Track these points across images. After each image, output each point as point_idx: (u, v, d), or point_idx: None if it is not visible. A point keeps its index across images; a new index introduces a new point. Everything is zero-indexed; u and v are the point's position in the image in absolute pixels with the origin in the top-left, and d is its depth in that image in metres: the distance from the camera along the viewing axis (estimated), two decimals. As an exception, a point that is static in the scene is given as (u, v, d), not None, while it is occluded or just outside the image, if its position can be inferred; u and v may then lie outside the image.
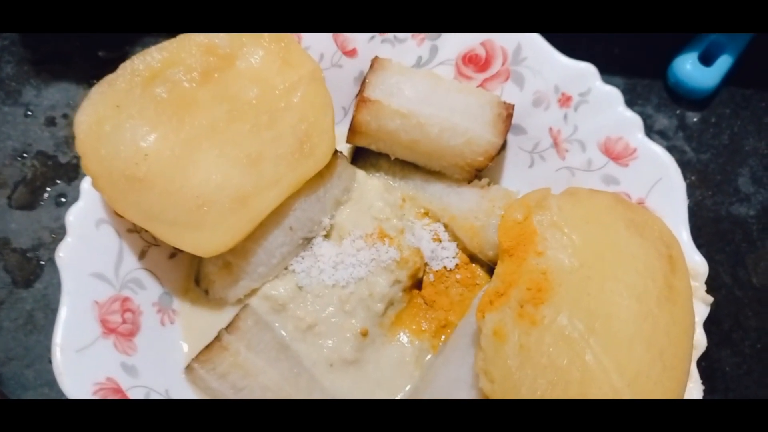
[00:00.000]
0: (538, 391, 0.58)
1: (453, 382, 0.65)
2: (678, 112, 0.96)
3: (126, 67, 0.65)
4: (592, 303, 0.62)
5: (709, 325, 0.85)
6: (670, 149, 0.94)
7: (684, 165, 0.94)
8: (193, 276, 0.75)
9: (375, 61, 0.75)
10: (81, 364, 0.62)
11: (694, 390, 0.64)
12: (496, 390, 0.59)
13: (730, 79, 0.95)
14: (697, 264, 0.68)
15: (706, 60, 0.93)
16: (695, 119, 0.96)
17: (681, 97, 0.96)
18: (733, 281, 0.88)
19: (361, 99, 0.72)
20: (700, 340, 0.66)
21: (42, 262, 0.84)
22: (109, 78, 0.65)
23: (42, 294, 0.83)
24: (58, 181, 0.88)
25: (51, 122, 0.91)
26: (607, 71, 0.87)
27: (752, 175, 0.93)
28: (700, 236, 0.90)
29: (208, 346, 0.66)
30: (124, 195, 0.63)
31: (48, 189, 0.88)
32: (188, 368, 0.68)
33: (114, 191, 0.63)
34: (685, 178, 0.92)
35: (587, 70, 0.74)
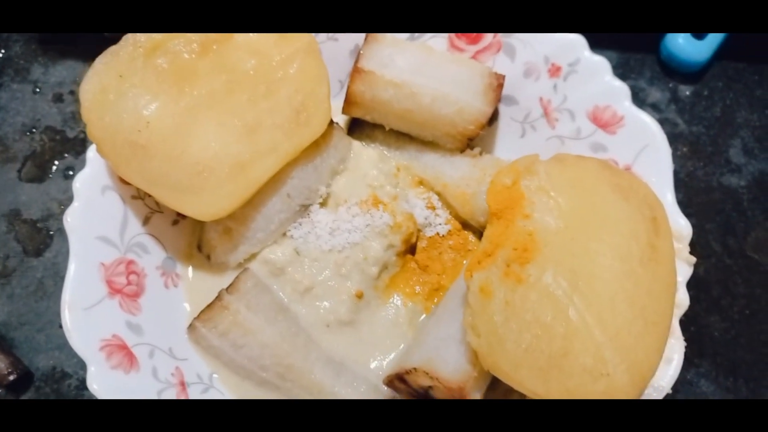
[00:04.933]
0: (522, 345, 0.61)
1: (443, 340, 0.68)
2: (671, 85, 0.98)
3: (128, 39, 0.68)
4: (576, 263, 0.64)
5: (698, 292, 0.88)
6: (663, 122, 0.96)
7: (676, 137, 0.96)
8: (195, 243, 0.78)
9: (369, 34, 0.77)
10: (88, 322, 0.66)
11: (676, 345, 0.66)
12: (482, 344, 0.62)
13: (722, 52, 0.96)
14: (682, 227, 0.70)
15: (698, 34, 0.95)
16: (687, 92, 0.97)
17: (674, 71, 0.97)
18: (723, 249, 0.90)
19: (355, 70, 0.75)
20: (683, 299, 0.68)
21: (51, 232, 0.88)
22: (112, 49, 0.67)
23: (52, 262, 0.87)
24: (66, 155, 0.91)
25: (58, 98, 0.94)
26: (600, 45, 0.88)
27: (744, 146, 0.95)
28: (691, 206, 0.92)
29: (209, 306, 0.69)
30: (127, 161, 0.66)
31: (56, 162, 0.91)
32: (191, 327, 0.71)
33: (118, 157, 0.66)
34: (677, 149, 0.95)
35: (576, 40, 0.76)
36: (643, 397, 0.65)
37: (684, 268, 0.69)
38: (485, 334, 0.62)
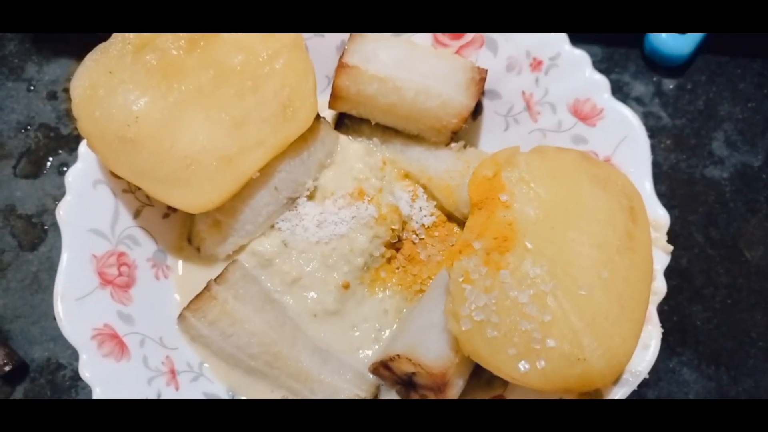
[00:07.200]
0: (501, 331, 0.62)
1: (426, 327, 0.69)
2: (654, 79, 0.99)
3: (117, 36, 0.69)
4: (554, 251, 0.66)
5: (681, 282, 0.89)
6: (647, 115, 0.98)
7: (660, 130, 0.97)
8: (185, 235, 0.79)
9: (354, 30, 0.79)
10: (80, 311, 0.67)
11: (653, 332, 0.67)
12: (462, 330, 0.64)
13: (705, 47, 0.98)
14: (659, 216, 0.72)
15: (681, 28, 0.96)
16: (671, 86, 0.99)
17: (657, 65, 0.99)
18: (706, 240, 0.92)
19: (340, 65, 0.76)
20: (661, 287, 0.69)
21: (46, 227, 0.90)
22: (102, 46, 0.69)
23: (46, 256, 0.88)
24: (60, 152, 0.93)
25: (52, 96, 0.96)
26: (585, 40, 0.90)
27: (726, 139, 0.97)
28: (675, 198, 0.94)
29: (198, 296, 0.71)
30: (116, 155, 0.68)
31: (51, 159, 0.93)
32: (181, 317, 0.72)
33: (107, 151, 0.68)
34: (661, 142, 0.97)
35: (557, 35, 0.78)
36: (621, 383, 0.66)
37: (661, 256, 0.71)
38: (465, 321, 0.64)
